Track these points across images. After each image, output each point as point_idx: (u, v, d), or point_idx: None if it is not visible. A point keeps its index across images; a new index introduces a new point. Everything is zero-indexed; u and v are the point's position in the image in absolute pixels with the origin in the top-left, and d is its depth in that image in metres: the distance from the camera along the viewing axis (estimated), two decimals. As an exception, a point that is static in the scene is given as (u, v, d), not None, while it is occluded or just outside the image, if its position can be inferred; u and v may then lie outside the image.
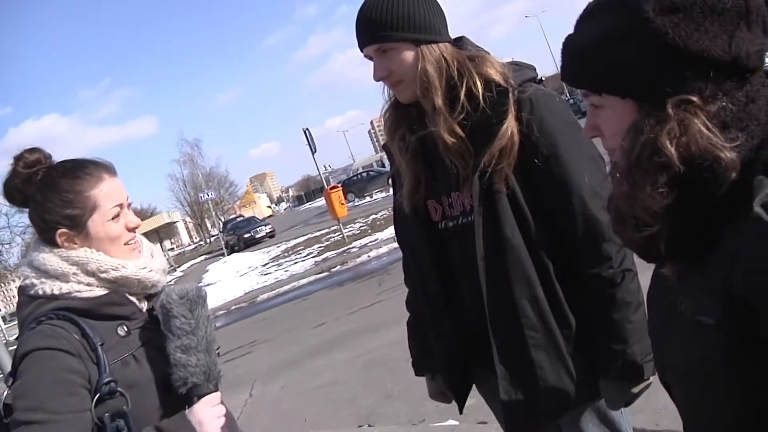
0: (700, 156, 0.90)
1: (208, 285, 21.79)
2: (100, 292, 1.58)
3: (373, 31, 1.73)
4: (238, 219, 48.39)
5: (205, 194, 39.52)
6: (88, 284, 1.57)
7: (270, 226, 37.88)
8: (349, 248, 16.67)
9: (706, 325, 0.93)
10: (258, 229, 37.41)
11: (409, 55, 1.73)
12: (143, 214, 64.05)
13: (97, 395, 1.45)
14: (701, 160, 0.90)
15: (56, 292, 1.55)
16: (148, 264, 1.68)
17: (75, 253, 1.58)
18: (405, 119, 1.87)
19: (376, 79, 1.79)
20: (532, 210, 1.71)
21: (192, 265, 42.92)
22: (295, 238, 27.37)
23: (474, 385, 2.02)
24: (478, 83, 1.72)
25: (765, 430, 0.92)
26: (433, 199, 1.87)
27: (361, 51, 1.79)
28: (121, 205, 1.64)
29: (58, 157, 1.69)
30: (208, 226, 72.94)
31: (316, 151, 18.12)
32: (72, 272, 1.56)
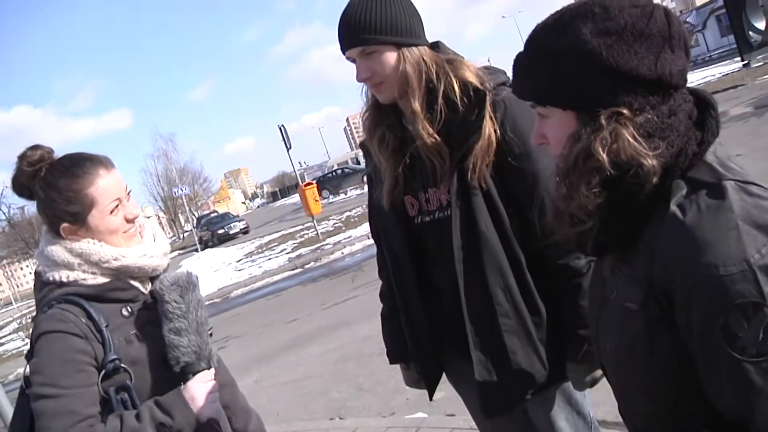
0: (627, 162, 1.04)
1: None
2: (103, 279, 1.73)
3: (357, 35, 1.80)
4: (212, 215, 47.96)
5: (179, 189, 39.21)
6: (93, 273, 1.72)
7: (244, 222, 37.64)
8: (323, 245, 16.73)
9: (631, 311, 1.08)
10: (232, 225, 37.13)
11: (391, 57, 1.82)
12: (115, 209, 62.90)
13: (103, 371, 1.62)
14: (628, 165, 1.05)
15: (64, 279, 1.71)
16: (148, 250, 1.81)
17: (79, 245, 1.72)
18: (384, 119, 1.95)
19: (360, 80, 1.87)
20: (506, 205, 1.82)
21: (165, 260, 42.25)
22: (269, 234, 27.36)
23: (444, 376, 2.12)
24: (456, 85, 1.81)
25: (683, 404, 1.06)
26: (410, 194, 1.96)
27: (344, 53, 1.86)
28: (119, 199, 1.76)
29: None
30: (182, 221, 72.24)
31: (291, 148, 18.14)
32: (77, 262, 1.71)
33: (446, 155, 1.83)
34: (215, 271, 21.61)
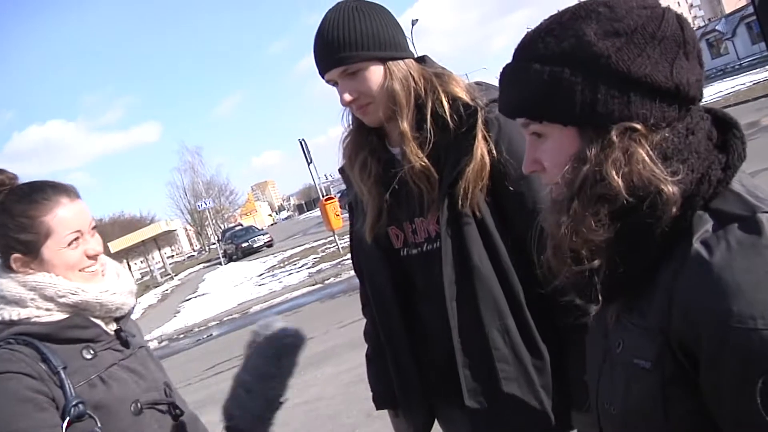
0: (642, 188, 0.88)
1: (202, 295, 21.73)
2: (60, 316, 1.55)
3: (337, 53, 1.62)
4: (237, 228, 48.53)
5: (203, 203, 39.58)
6: (47, 309, 1.54)
7: (268, 236, 38.08)
8: (343, 260, 16.52)
9: (641, 369, 0.91)
10: (256, 238, 37.59)
11: (377, 73, 1.64)
12: (141, 222, 64.18)
13: (67, 419, 1.43)
14: (643, 192, 0.88)
15: (15, 317, 1.52)
16: (111, 287, 1.64)
17: (32, 278, 1.55)
18: (366, 143, 1.77)
19: (346, 103, 1.68)
20: (502, 235, 1.63)
21: (189, 273, 42.87)
22: (292, 248, 27.43)
23: (437, 421, 1.91)
24: (445, 101, 1.63)
25: None
26: (395, 225, 1.77)
27: (323, 77, 1.68)
28: (80, 231, 1.59)
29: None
30: (209, 233, 73.09)
31: (311, 162, 18.17)
32: (30, 297, 1.53)
33: (435, 180, 1.64)
34: (236, 285, 21.63)
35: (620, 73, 0.88)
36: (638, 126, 0.89)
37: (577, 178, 0.93)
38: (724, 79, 34.01)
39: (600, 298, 1.00)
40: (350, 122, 1.80)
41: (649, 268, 0.91)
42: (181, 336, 15.33)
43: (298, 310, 13.14)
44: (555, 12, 0.99)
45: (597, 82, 0.90)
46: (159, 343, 15.11)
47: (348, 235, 2.03)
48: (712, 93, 27.38)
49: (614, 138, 0.89)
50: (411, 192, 1.69)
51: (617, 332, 0.99)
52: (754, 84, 23.39)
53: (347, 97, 1.65)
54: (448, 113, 1.62)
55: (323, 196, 18.96)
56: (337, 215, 18.09)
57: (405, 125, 1.64)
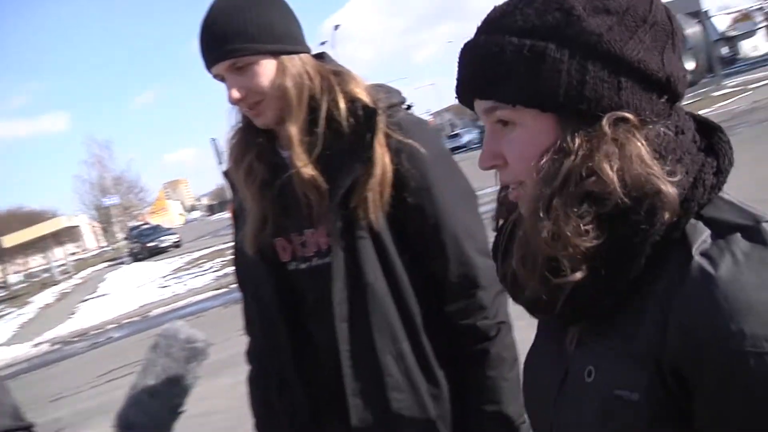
0: (638, 187, 0.76)
1: (102, 296, 20.91)
2: None
3: (225, 45, 1.47)
4: (144, 226, 46.98)
5: (108, 199, 38.19)
6: None
7: (177, 236, 37.23)
8: (251, 264, 16.21)
9: (627, 402, 0.78)
10: (164, 237, 36.73)
11: (269, 69, 1.49)
12: (42, 217, 61.06)
13: None
14: (638, 192, 0.76)
15: None
16: None
17: None
18: (255, 145, 1.61)
19: (234, 101, 1.51)
20: (399, 251, 1.52)
21: (92, 272, 41.09)
22: (200, 250, 26.83)
23: None
24: (342, 102, 1.50)
25: None
26: (282, 236, 1.62)
27: (209, 71, 1.52)
28: None
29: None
30: (115, 231, 70.40)
31: (221, 163, 17.72)
32: None
33: (327, 189, 1.50)
34: (138, 287, 20.87)
35: (612, 54, 0.77)
36: (631, 117, 0.78)
37: (559, 172, 0.79)
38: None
39: (576, 315, 0.86)
40: (238, 121, 1.65)
41: (635, 283, 0.79)
42: (76, 339, 14.61)
43: (201, 315, 12.74)
44: None
45: (586, 63, 0.77)
46: (51, 346, 14.40)
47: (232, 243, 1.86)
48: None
49: (605, 128, 0.77)
50: (300, 201, 1.56)
51: (584, 358, 0.86)
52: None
53: (235, 94, 1.50)
54: (344, 115, 1.49)
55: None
56: (247, 218, 17.79)
57: (293, 127, 1.51)
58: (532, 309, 0.89)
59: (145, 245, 36.34)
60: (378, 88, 1.58)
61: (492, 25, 0.84)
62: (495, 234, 1.01)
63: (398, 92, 1.64)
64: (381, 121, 1.49)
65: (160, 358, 1.52)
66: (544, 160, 0.81)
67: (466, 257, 1.52)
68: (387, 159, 1.48)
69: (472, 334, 1.53)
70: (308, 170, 1.50)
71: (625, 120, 0.78)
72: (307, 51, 1.57)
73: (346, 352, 1.52)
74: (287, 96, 1.50)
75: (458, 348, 1.56)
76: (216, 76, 1.53)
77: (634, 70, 0.78)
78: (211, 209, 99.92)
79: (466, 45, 0.87)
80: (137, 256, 36.28)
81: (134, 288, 20.66)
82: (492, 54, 0.82)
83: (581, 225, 0.78)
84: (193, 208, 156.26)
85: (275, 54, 1.50)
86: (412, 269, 1.53)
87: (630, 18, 0.78)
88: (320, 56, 1.62)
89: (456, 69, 0.88)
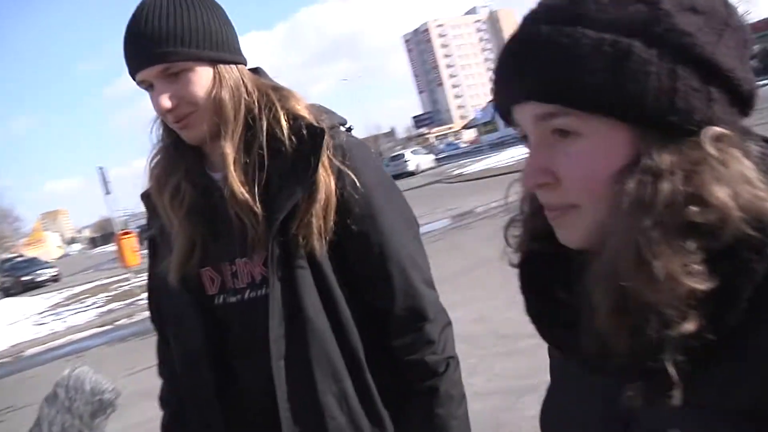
0: (755, 215, 0.63)
1: (-32, 334, 19.26)
2: None
3: (158, 47, 1.31)
4: (18, 258, 44.30)
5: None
6: None
7: (55, 269, 35.42)
8: (137, 300, 15.34)
9: None
10: (40, 271, 34.85)
11: (205, 77, 1.35)
12: None
13: None
14: (755, 221, 0.63)
15: None
16: None
17: None
18: (182, 164, 1.45)
19: (164, 111, 1.35)
20: (341, 282, 1.40)
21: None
22: (81, 285, 25.42)
23: None
24: (284, 120, 1.38)
25: None
26: (210, 266, 1.46)
27: (134, 76, 1.36)
28: None
29: None
30: (-16, 264, 65.81)
31: (109, 193, 17.09)
32: None
33: (264, 214, 1.37)
34: (11, 324, 19.37)
35: (704, 59, 0.65)
36: (729, 132, 0.65)
37: (656, 198, 0.64)
38: (518, 146, 37.24)
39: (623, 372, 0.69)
40: (162, 137, 1.49)
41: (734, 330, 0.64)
42: (-66, 383, 13.32)
43: (82, 354, 11.90)
44: None
45: (676, 66, 0.65)
46: None
47: (147, 274, 1.66)
48: (507, 157, 29.84)
49: (706, 145, 0.64)
50: (234, 227, 1.40)
51: (658, 419, 0.69)
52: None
53: (166, 102, 1.34)
54: (287, 134, 1.37)
55: (120, 230, 17.94)
56: (134, 251, 17.16)
57: (228, 144, 1.37)
58: (598, 366, 0.72)
59: (19, 279, 34.39)
60: (318, 108, 1.48)
61: (558, 13, 0.69)
62: (522, 265, 0.85)
63: (337, 114, 1.54)
64: (326, 142, 1.37)
65: (60, 414, 1.30)
66: (628, 182, 0.66)
67: (413, 289, 1.43)
68: (332, 183, 1.37)
69: (420, 370, 1.43)
70: (244, 192, 1.36)
71: (725, 137, 0.66)
72: (244, 63, 1.45)
73: (284, 393, 1.37)
74: (223, 109, 1.37)
75: (404, 386, 1.45)
76: (141, 83, 1.37)
77: (724, 79, 0.66)
78: (94, 242, 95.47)
79: (516, 36, 0.73)
80: (9, 291, 34.16)
81: (5, 325, 19.18)
82: (557, 49, 0.67)
83: (691, 263, 0.63)
84: (73, 241, 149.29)
85: (213, 62, 1.37)
86: (353, 302, 1.42)
87: (716, 20, 0.67)
88: (255, 71, 1.50)
89: (497, 66, 0.74)
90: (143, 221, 1.71)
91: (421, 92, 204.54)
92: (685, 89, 0.64)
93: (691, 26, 0.65)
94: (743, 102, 0.68)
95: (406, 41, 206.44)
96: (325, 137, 1.37)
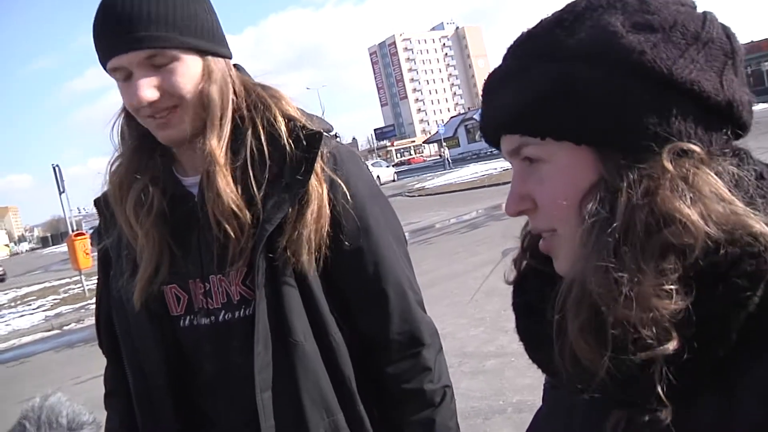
0: (729, 229, 0.61)
1: None
2: None
3: (142, 30, 1.14)
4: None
5: None
6: None
7: (1, 269, 33.92)
8: (88, 304, 14.92)
9: None
10: (-16, 271, 33.34)
11: (193, 69, 1.21)
12: None
13: None
14: (728, 236, 0.61)
15: None
16: None
17: None
18: (150, 167, 1.30)
19: (141, 103, 1.17)
20: (332, 304, 1.27)
21: None
22: (28, 286, 24.61)
23: None
24: (281, 121, 1.25)
25: None
26: (176, 284, 1.30)
27: (107, 62, 1.18)
28: None
29: None
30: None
31: (63, 192, 16.66)
32: None
33: (246, 225, 1.22)
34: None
35: (657, 74, 0.65)
36: (696, 148, 0.64)
37: (614, 218, 0.65)
38: (479, 162, 37.70)
39: (608, 396, 0.67)
40: (124, 136, 1.33)
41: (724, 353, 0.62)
42: None
43: (26, 361, 11.45)
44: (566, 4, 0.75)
45: (625, 84, 0.66)
46: None
47: (96, 291, 1.48)
48: (468, 173, 30.13)
49: (665, 162, 0.64)
50: (210, 239, 1.25)
51: None
52: (504, 170, 25.89)
53: (148, 94, 1.17)
54: (285, 136, 1.24)
55: (73, 231, 17.43)
56: (87, 253, 16.67)
57: (214, 142, 1.22)
58: (575, 387, 0.69)
59: (-39, 279, 33.03)
60: (304, 111, 1.35)
61: (518, 48, 0.74)
62: (515, 285, 0.85)
63: (324, 119, 1.41)
64: (321, 148, 1.25)
65: None
66: (590, 203, 0.67)
67: (409, 311, 1.32)
68: (324, 193, 1.24)
69: (416, 400, 1.33)
70: (231, 196, 1.22)
71: (688, 152, 0.65)
72: (230, 57, 1.32)
73: (270, 428, 1.22)
74: (210, 105, 1.23)
75: (398, 418, 1.34)
76: (115, 71, 1.19)
77: (685, 92, 0.65)
78: (44, 241, 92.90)
79: (492, 74, 0.77)
80: (-50, 291, 32.90)
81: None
82: (517, 82, 0.72)
83: (663, 284, 0.61)
84: (22, 239, 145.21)
85: (202, 53, 1.22)
86: (347, 326, 1.29)
87: (679, 35, 0.67)
88: (236, 67, 1.36)
89: (480, 102, 0.78)
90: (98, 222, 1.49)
91: (384, 105, 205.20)
92: (636, 106, 0.65)
93: (645, 44, 0.66)
94: (722, 114, 0.67)
95: (372, 54, 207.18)
96: (322, 142, 1.25)
